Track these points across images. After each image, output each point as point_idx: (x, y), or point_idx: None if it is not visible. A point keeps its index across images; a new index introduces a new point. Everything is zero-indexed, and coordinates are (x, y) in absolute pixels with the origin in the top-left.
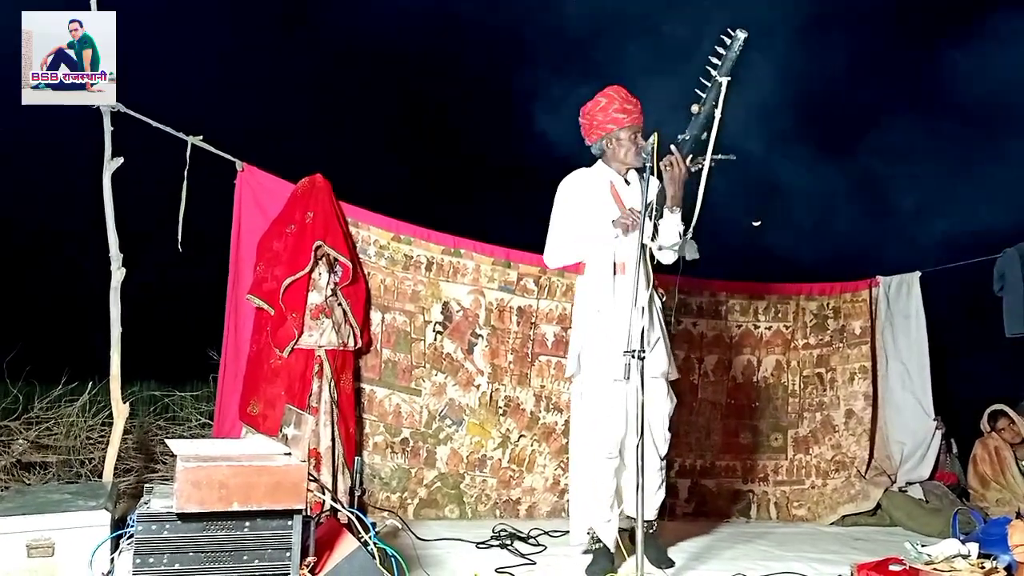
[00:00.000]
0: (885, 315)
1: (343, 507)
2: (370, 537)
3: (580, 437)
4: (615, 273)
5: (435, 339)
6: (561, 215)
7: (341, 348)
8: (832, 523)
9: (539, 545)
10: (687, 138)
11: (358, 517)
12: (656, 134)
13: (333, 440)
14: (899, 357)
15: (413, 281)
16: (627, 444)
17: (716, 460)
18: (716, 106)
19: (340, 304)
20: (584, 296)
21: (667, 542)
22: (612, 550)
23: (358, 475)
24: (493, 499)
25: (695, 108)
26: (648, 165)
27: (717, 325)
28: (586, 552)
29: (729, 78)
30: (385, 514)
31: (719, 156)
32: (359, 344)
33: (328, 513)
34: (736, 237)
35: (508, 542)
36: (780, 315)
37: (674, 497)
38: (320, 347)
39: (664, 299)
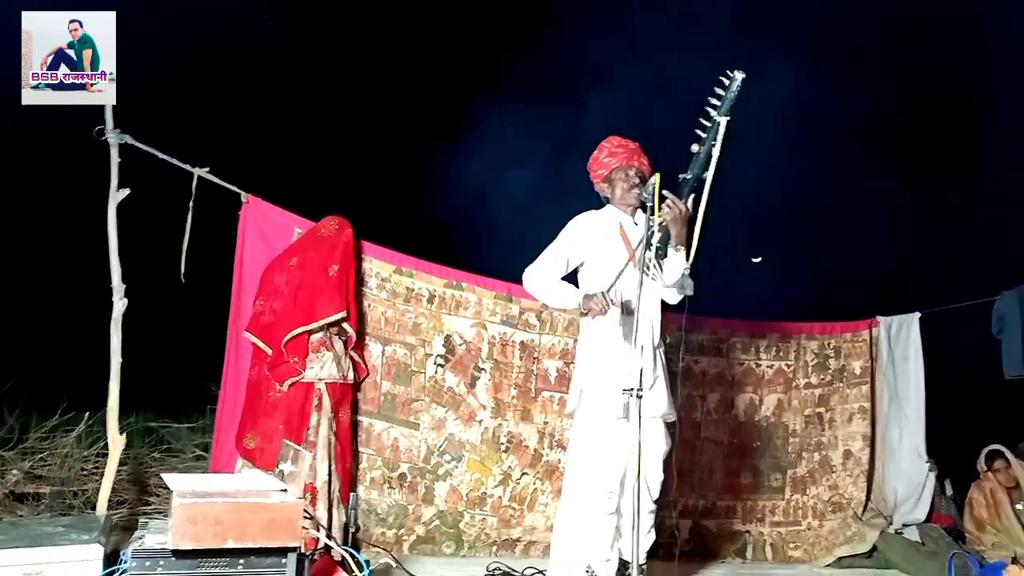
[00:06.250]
0: (887, 356)
1: (337, 544)
2: (363, 575)
3: (578, 475)
4: (623, 313)
5: (436, 372)
6: (555, 246)
7: (341, 381)
8: (827, 565)
9: None
10: (688, 177)
11: (351, 554)
12: (658, 176)
13: (330, 475)
14: (897, 398)
15: (415, 314)
16: (624, 484)
17: (717, 500)
18: (715, 145)
19: (340, 336)
20: (589, 334)
21: None
22: None
23: (353, 511)
24: (493, 538)
25: (695, 147)
26: (649, 205)
27: (719, 363)
28: None
29: (728, 118)
30: (378, 551)
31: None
32: (359, 377)
33: (322, 550)
34: (736, 274)
35: None
36: (781, 354)
37: (673, 538)
38: (320, 380)
39: (667, 340)
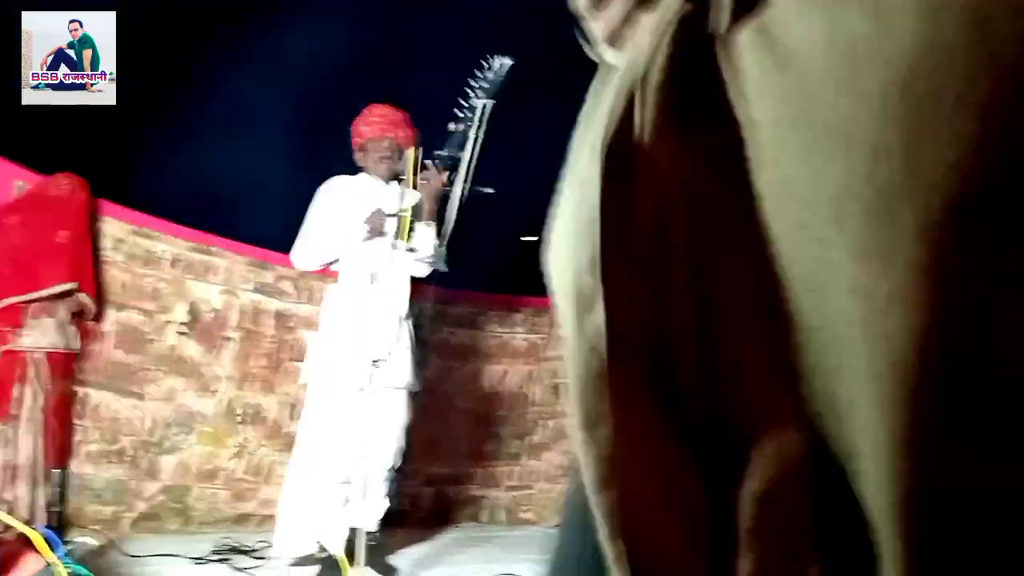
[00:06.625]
0: None
1: (23, 525)
2: (58, 556)
3: (309, 444)
4: (370, 282)
5: (177, 341)
6: (316, 217)
7: (64, 350)
8: (556, 525)
9: (262, 558)
10: (444, 154)
11: (45, 536)
12: (414, 149)
13: (36, 451)
14: None
15: (154, 278)
16: (357, 452)
17: (462, 468)
18: (471, 126)
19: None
20: (333, 304)
21: (389, 550)
22: (338, 559)
23: (58, 489)
24: (225, 512)
25: (452, 126)
26: (402, 178)
27: (474, 335)
28: (300, 564)
29: (492, 102)
30: (95, 529)
31: (482, 189)
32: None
33: (16, 532)
34: (494, 249)
35: (228, 557)
36: (536, 328)
37: (415, 505)
38: (38, 349)
39: (417, 311)
